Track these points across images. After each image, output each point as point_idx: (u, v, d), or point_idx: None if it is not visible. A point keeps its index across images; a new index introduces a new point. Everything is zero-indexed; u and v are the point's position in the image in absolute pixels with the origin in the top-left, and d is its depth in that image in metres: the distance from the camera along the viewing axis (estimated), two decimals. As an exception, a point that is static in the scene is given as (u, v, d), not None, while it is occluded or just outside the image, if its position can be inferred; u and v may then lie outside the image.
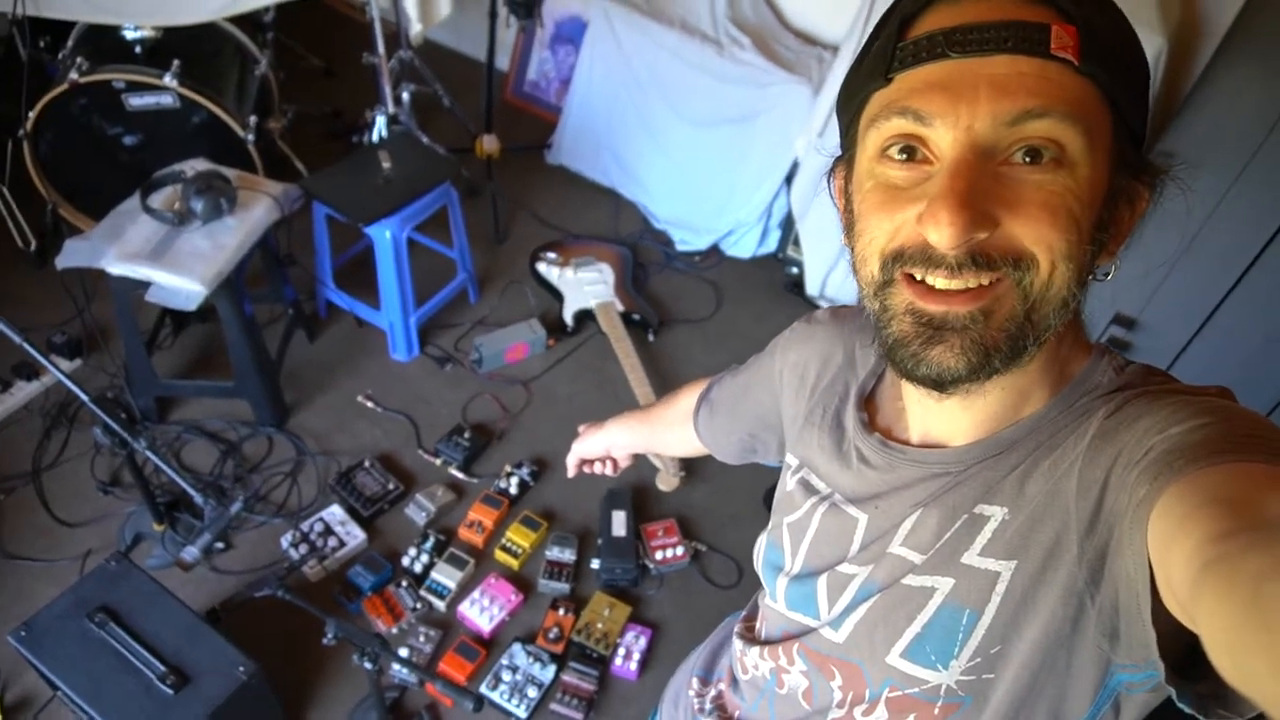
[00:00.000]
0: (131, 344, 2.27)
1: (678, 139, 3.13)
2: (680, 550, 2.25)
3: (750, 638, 0.91)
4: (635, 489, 2.40)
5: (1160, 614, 0.52)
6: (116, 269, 2.05)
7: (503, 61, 3.56)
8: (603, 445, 1.24)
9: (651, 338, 2.85)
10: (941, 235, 0.55)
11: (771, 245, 3.16)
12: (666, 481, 2.40)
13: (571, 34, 3.45)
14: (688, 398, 1.11)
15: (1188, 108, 2.15)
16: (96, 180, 2.66)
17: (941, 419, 0.70)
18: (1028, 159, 0.55)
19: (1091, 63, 0.55)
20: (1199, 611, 0.43)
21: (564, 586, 2.15)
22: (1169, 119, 2.23)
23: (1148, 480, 0.53)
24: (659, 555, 2.24)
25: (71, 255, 2.08)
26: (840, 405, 0.81)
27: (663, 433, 1.17)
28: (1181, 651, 0.53)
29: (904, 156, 0.59)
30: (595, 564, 2.20)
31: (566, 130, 3.37)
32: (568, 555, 2.21)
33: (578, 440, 1.27)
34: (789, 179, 2.96)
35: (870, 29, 0.64)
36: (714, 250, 3.20)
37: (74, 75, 2.41)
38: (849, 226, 0.65)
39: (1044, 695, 0.65)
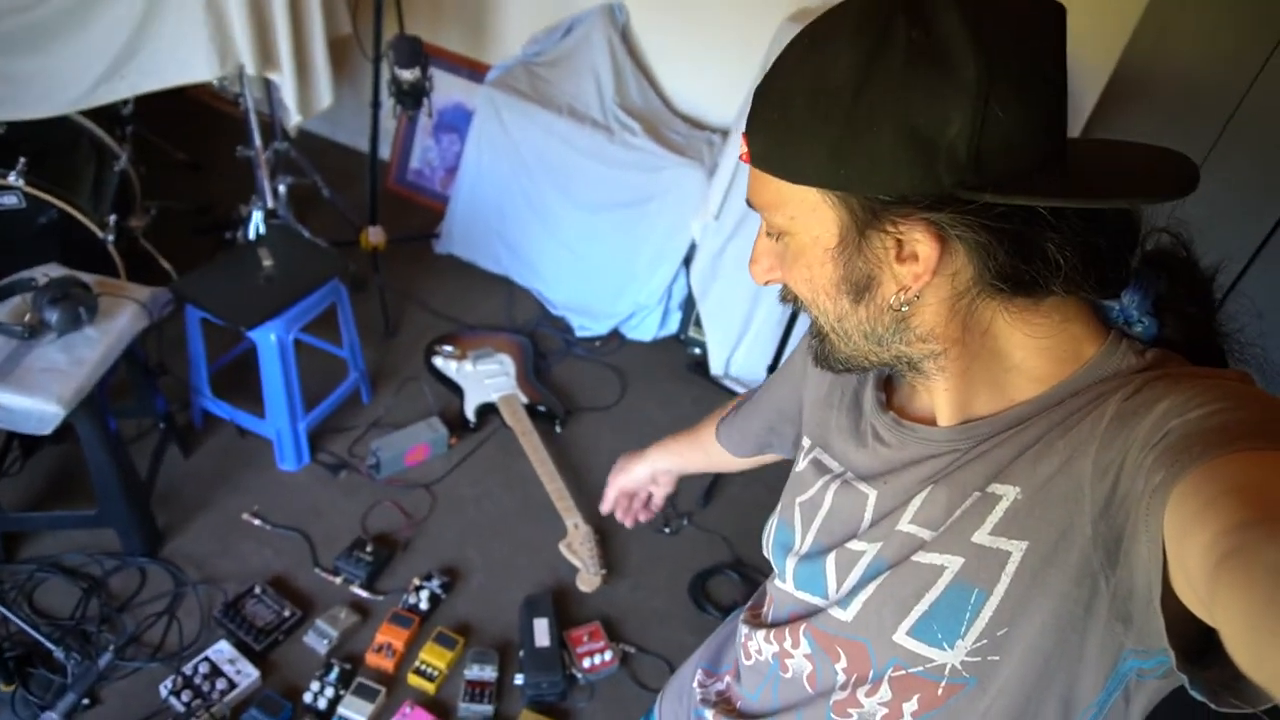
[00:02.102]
0: (-28, 475, 1.99)
1: (571, 224, 3.09)
2: (609, 655, 2.12)
3: (756, 622, 0.90)
4: (555, 592, 2.25)
5: (1169, 600, 0.52)
6: (-46, 392, 1.80)
7: (383, 150, 3.46)
8: (648, 473, 1.24)
9: (559, 429, 2.74)
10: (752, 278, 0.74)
11: (673, 327, 3.14)
12: (587, 582, 2.27)
13: (455, 122, 3.39)
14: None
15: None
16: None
17: (928, 400, 0.75)
18: (770, 234, 0.70)
19: (762, 163, 0.65)
20: (1217, 603, 0.43)
21: (487, 708, 1.97)
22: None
23: (1165, 465, 0.53)
24: (586, 663, 2.09)
25: (-103, 379, 1.81)
26: (859, 387, 0.84)
27: (717, 449, 1.19)
28: (1192, 638, 0.53)
29: None
30: (519, 679, 2.04)
31: (455, 219, 3.27)
32: (488, 673, 2.03)
33: (617, 473, 1.25)
34: (687, 260, 2.95)
35: None
36: (615, 334, 3.14)
37: (-102, 177, 2.16)
38: None
39: (1056, 681, 0.65)
